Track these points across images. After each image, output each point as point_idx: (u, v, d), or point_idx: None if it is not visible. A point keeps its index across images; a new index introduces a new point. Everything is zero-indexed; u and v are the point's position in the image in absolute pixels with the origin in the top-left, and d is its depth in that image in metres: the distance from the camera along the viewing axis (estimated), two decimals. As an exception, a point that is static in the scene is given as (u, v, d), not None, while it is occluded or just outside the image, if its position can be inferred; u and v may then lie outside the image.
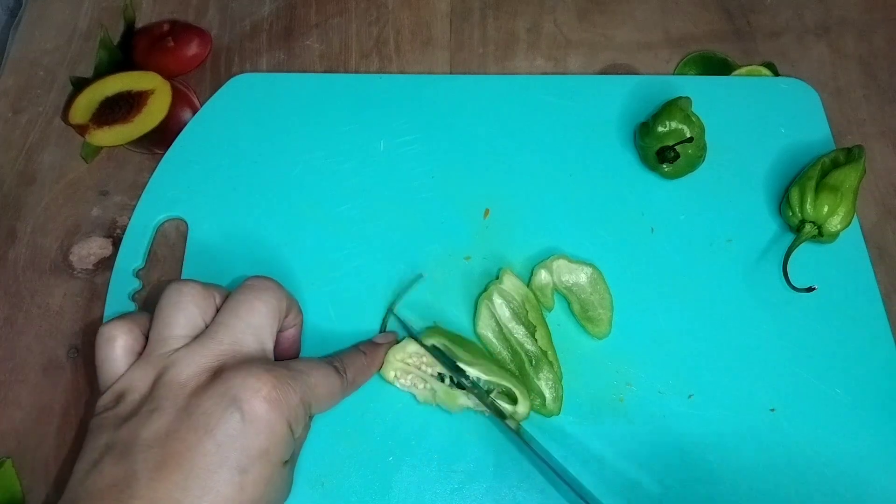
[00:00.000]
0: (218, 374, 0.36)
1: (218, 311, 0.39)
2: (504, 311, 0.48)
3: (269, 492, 0.36)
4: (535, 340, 0.47)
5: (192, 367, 0.36)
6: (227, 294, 0.41)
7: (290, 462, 0.38)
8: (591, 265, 0.50)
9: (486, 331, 0.48)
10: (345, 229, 0.53)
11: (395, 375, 0.46)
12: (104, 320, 0.49)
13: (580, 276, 0.50)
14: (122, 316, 0.40)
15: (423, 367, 0.46)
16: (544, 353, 0.47)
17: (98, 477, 0.33)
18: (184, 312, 0.38)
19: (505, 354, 0.48)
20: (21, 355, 0.49)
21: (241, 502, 0.34)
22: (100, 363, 0.38)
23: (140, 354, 0.38)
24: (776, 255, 0.51)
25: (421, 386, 0.46)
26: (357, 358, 0.44)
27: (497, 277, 0.49)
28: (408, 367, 0.46)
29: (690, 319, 0.50)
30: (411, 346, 0.46)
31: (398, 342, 0.47)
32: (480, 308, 0.48)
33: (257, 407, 0.35)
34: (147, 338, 0.39)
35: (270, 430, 0.35)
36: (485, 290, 0.49)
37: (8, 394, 0.48)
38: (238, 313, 0.38)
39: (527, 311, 0.48)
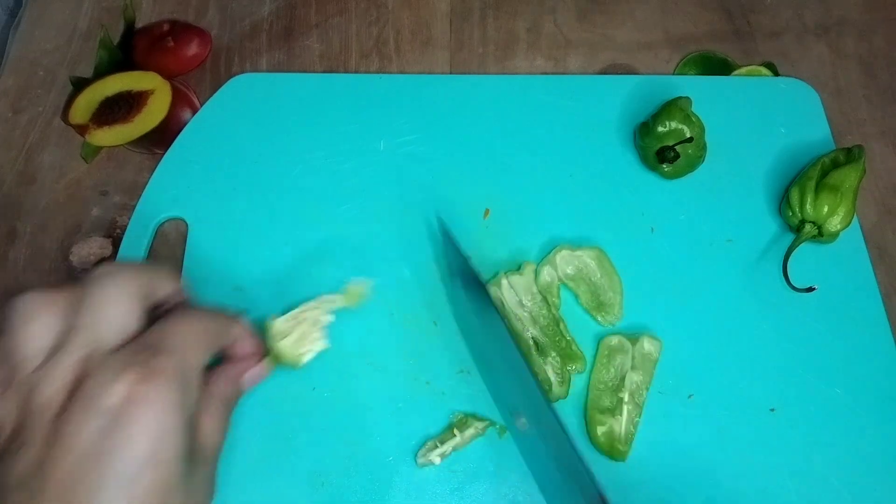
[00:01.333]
0: (78, 385, 0.31)
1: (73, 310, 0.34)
2: (512, 297, 0.49)
3: (173, 492, 0.32)
4: (540, 326, 0.48)
5: (51, 385, 0.31)
6: (75, 290, 0.35)
7: (196, 457, 0.34)
8: (595, 247, 0.50)
9: (521, 295, 0.49)
10: (344, 229, 0.53)
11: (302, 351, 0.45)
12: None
13: (586, 260, 0.50)
14: None
15: (312, 322, 0.45)
16: (563, 341, 0.48)
17: None
18: (25, 329, 0.33)
19: (539, 317, 0.49)
20: (21, 355, 0.49)
21: None
22: None
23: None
24: (776, 255, 0.51)
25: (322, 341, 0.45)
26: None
27: (518, 269, 0.50)
28: (302, 332, 0.45)
29: (690, 319, 0.50)
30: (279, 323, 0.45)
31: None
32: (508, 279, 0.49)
33: (125, 410, 0.30)
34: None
35: (156, 427, 0.31)
36: (493, 276, 0.50)
37: (8, 394, 0.48)
38: (90, 308, 0.33)
39: (536, 298, 0.49)
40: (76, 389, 0.31)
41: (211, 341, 0.37)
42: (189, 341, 0.35)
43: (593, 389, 0.47)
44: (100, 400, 0.30)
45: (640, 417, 0.46)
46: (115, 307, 0.34)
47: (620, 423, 0.45)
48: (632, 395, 0.46)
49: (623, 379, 0.46)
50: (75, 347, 0.32)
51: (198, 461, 0.34)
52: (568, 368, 0.47)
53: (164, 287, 0.38)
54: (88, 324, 0.33)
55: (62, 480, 0.29)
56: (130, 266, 0.36)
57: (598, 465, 0.45)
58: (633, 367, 0.47)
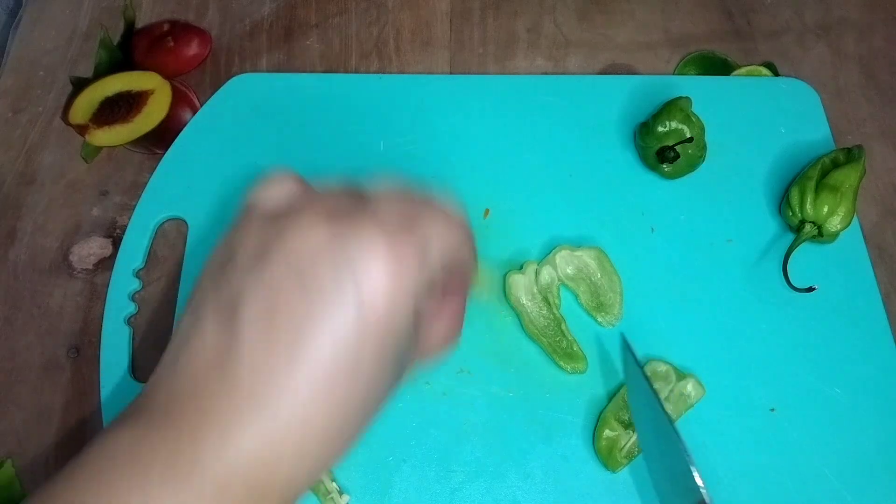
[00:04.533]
0: (336, 234, 0.28)
1: None
2: (532, 286, 0.49)
3: (377, 394, 0.29)
4: (541, 326, 0.49)
5: (306, 215, 0.29)
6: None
7: (399, 368, 0.31)
8: (594, 248, 0.50)
9: (521, 295, 0.49)
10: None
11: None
12: (103, 321, 0.49)
13: (586, 260, 0.50)
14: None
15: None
16: (564, 342, 0.48)
17: (200, 344, 0.28)
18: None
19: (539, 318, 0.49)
20: (21, 355, 0.49)
21: (352, 395, 0.28)
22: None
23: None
24: (776, 256, 0.51)
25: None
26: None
27: (520, 268, 0.50)
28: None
29: (690, 319, 0.50)
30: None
31: None
32: (510, 279, 0.49)
33: (376, 280, 0.27)
34: None
35: (389, 317, 0.28)
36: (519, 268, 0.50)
37: (8, 394, 0.48)
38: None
39: (537, 298, 0.49)
40: (333, 237, 0.28)
41: (455, 253, 0.33)
42: (444, 241, 0.31)
43: (619, 399, 0.46)
44: (357, 264, 0.28)
45: None
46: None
47: (628, 440, 0.45)
48: None
49: None
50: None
51: (408, 361, 0.32)
52: (569, 369, 0.47)
53: None
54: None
55: (294, 327, 0.27)
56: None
57: (593, 465, 0.45)
58: (666, 399, 0.46)
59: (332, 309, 0.27)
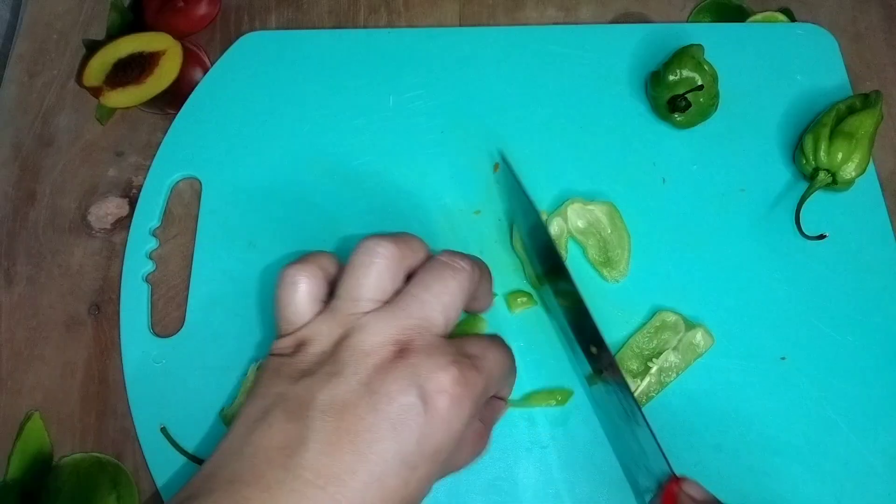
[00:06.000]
0: (404, 353, 0.33)
1: (408, 279, 0.37)
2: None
3: (426, 490, 0.34)
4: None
5: (378, 336, 0.34)
6: (420, 256, 0.38)
7: (443, 473, 0.36)
8: (607, 202, 0.50)
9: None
10: (356, 185, 0.53)
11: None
12: (122, 279, 0.51)
13: (598, 215, 0.50)
14: (304, 258, 0.38)
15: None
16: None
17: (268, 431, 0.32)
18: (377, 275, 0.36)
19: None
20: (44, 313, 0.51)
21: (402, 497, 0.32)
22: (282, 306, 0.37)
23: (322, 302, 0.37)
24: (789, 205, 0.51)
25: None
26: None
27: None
28: None
29: (702, 269, 0.50)
30: None
31: None
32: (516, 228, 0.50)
33: (441, 402, 0.32)
34: (330, 285, 0.38)
35: (448, 428, 0.32)
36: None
37: (34, 350, 0.49)
38: (430, 288, 0.36)
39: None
40: (400, 355, 0.33)
41: (504, 377, 0.38)
42: (498, 371, 0.37)
43: (627, 349, 0.47)
44: (425, 382, 0.32)
45: (656, 395, 0.46)
46: (450, 297, 0.36)
47: (636, 388, 0.45)
48: (660, 371, 0.46)
49: (660, 354, 0.46)
50: (406, 315, 0.35)
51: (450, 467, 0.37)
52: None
53: (483, 295, 0.41)
54: (424, 300, 0.35)
55: (358, 433, 0.31)
56: (473, 265, 0.38)
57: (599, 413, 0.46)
58: (675, 349, 0.46)
59: (401, 411, 0.32)
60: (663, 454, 0.39)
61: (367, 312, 0.35)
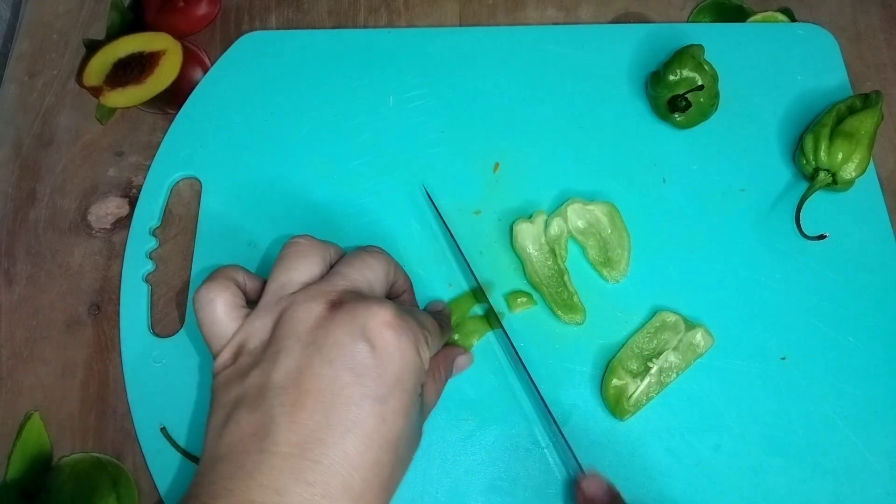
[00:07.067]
0: (337, 305, 0.35)
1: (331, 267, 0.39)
2: (540, 235, 0.50)
3: (407, 427, 0.35)
4: (544, 276, 0.49)
5: (311, 301, 0.35)
6: (341, 252, 0.41)
7: (421, 402, 0.38)
8: (607, 202, 0.50)
9: (527, 244, 0.50)
10: (355, 185, 0.53)
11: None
12: (122, 279, 0.51)
13: (598, 215, 0.50)
14: (211, 276, 0.38)
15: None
16: (565, 293, 0.48)
17: (235, 428, 0.33)
18: (304, 259, 0.38)
19: (543, 268, 0.49)
20: (44, 313, 0.51)
21: (383, 435, 0.33)
22: (206, 328, 0.37)
23: (243, 308, 0.38)
24: (790, 205, 0.51)
25: None
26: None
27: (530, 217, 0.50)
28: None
29: (702, 269, 0.50)
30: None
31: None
32: (517, 227, 0.50)
33: (386, 335, 0.34)
34: (244, 293, 0.39)
35: (402, 357, 0.34)
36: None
37: (33, 350, 0.49)
38: (352, 264, 0.38)
39: (544, 249, 0.49)
40: (335, 307, 0.35)
41: (431, 324, 0.39)
42: (420, 315, 0.39)
43: (627, 349, 0.47)
44: (365, 321, 0.34)
45: (656, 395, 0.46)
46: (372, 273, 0.39)
47: (636, 389, 0.45)
48: (660, 371, 0.46)
49: (660, 354, 0.46)
50: (334, 283, 0.37)
51: (420, 413, 0.37)
52: (567, 319, 0.48)
53: (402, 279, 0.44)
54: (348, 274, 0.38)
55: (321, 390, 0.33)
56: (387, 254, 0.41)
57: (600, 414, 0.46)
58: (675, 349, 0.46)
59: (353, 353, 0.33)
60: (572, 451, 0.42)
61: (296, 292, 0.37)
